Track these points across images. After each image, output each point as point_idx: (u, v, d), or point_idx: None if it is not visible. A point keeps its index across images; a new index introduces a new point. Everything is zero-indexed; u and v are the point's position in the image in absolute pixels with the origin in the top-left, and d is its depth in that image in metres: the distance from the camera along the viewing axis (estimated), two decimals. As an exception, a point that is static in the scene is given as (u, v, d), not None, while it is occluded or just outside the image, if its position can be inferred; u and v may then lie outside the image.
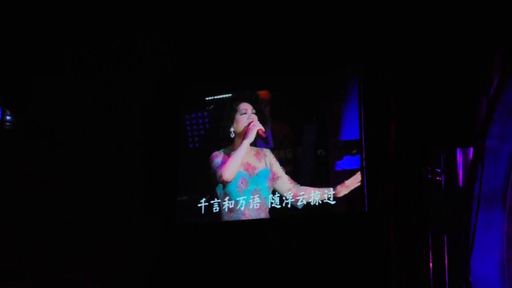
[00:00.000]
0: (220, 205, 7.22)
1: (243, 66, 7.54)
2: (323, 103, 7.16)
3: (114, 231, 7.61)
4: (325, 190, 6.91)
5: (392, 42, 6.75)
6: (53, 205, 7.36)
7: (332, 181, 6.94)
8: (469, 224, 6.35)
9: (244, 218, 7.12)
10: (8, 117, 7.44)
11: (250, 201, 7.09)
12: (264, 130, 7.11)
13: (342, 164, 6.94)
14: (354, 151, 6.89)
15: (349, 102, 6.98)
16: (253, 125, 7.12)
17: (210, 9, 7.50)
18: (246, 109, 7.23)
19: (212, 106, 7.55)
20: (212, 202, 7.28)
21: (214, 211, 7.27)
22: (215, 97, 7.57)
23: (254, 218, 7.10)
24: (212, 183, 7.28)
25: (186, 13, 7.60)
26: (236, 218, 7.17)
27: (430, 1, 6.47)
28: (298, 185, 7.03)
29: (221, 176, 7.14)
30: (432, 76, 6.51)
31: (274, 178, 7.10)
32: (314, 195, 6.92)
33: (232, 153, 7.17)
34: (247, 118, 7.19)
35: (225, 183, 7.17)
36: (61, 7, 7.42)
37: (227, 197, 7.17)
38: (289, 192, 7.02)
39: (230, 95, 7.48)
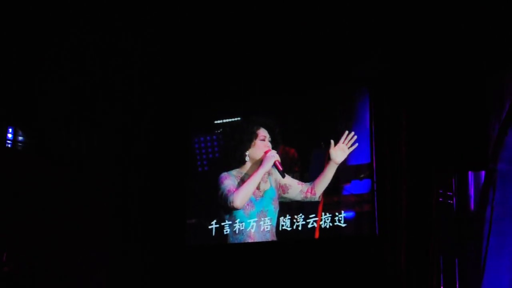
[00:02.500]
0: (231, 226, 7.19)
1: (251, 89, 7.56)
2: (331, 128, 7.14)
3: (120, 253, 7.58)
4: (336, 213, 6.89)
5: (402, 65, 6.79)
6: (60, 226, 7.32)
7: (340, 205, 6.93)
8: (480, 248, 6.35)
9: (250, 241, 7.10)
10: (20, 137, 7.43)
11: (256, 223, 7.07)
12: (280, 162, 7.02)
13: (350, 188, 6.94)
14: (362, 176, 6.89)
15: (357, 126, 6.99)
16: (271, 155, 7.02)
17: (217, 30, 7.56)
18: (265, 136, 7.16)
19: (220, 130, 7.53)
20: (223, 224, 7.25)
21: (225, 233, 7.24)
22: (224, 120, 7.57)
23: (260, 240, 7.07)
24: (219, 205, 7.23)
25: (192, 33, 7.65)
26: (242, 240, 7.14)
27: (444, 23, 6.51)
28: (307, 183, 7.02)
29: (232, 203, 7.04)
30: (444, 99, 6.55)
31: (284, 191, 7.06)
32: (325, 217, 6.91)
33: (240, 175, 7.13)
34: (264, 145, 7.12)
35: (234, 210, 7.13)
36: (66, 24, 7.47)
37: (234, 220, 7.15)
38: (301, 195, 7.01)
39: (238, 118, 7.48)
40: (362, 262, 6.73)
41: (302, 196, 7.01)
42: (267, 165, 7.01)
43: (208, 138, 7.62)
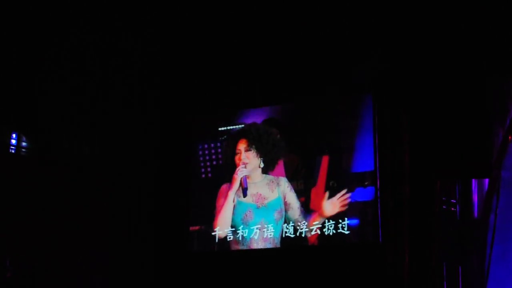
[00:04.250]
0: (234, 234, 7.19)
1: (253, 95, 7.57)
2: (335, 134, 7.15)
3: (124, 259, 7.57)
4: (339, 220, 6.88)
5: (406, 73, 6.79)
6: (63, 229, 7.32)
7: (345, 212, 6.91)
8: (484, 255, 6.35)
9: (250, 249, 7.12)
10: (23, 143, 7.43)
11: (255, 232, 7.08)
12: (246, 178, 7.11)
13: (354, 195, 6.92)
14: (367, 183, 6.87)
15: (362, 133, 6.99)
16: (237, 176, 7.13)
17: (218, 31, 7.58)
18: (240, 150, 7.20)
19: (225, 137, 7.54)
20: (226, 230, 7.24)
21: (228, 239, 7.23)
22: (228, 127, 7.57)
23: (262, 248, 7.09)
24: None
25: (193, 34, 7.67)
26: (242, 249, 7.15)
27: (449, 30, 6.51)
28: (305, 215, 7.02)
29: (213, 230, 7.22)
30: (447, 106, 6.53)
31: (287, 208, 7.07)
32: (328, 224, 6.90)
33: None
34: (237, 159, 7.19)
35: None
36: (66, 24, 7.50)
37: (233, 228, 7.18)
38: (304, 222, 6.99)
39: (242, 126, 7.48)
40: (365, 269, 6.71)
41: (296, 224, 7.02)
42: (234, 186, 7.16)
43: (212, 145, 7.61)
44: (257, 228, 7.08)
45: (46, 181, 7.25)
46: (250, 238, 7.10)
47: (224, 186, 7.30)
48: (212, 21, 7.57)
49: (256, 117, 7.48)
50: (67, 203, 7.31)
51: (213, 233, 7.31)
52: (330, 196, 6.93)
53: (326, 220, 6.90)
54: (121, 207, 7.65)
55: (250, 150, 7.18)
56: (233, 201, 7.16)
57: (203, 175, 7.63)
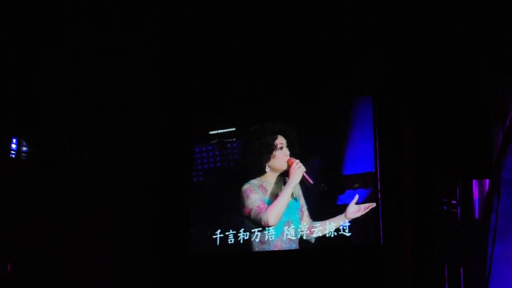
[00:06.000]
0: (235, 236, 7.16)
1: (249, 98, 7.57)
2: (334, 135, 7.12)
3: (124, 260, 7.58)
4: (340, 221, 6.87)
5: (406, 73, 6.79)
6: (62, 232, 7.33)
7: (335, 215, 6.92)
8: (485, 256, 6.37)
9: (276, 249, 7.03)
10: (24, 148, 7.43)
11: (282, 232, 7.04)
12: (307, 173, 6.97)
13: (344, 198, 6.91)
14: (367, 184, 6.86)
15: (361, 136, 6.98)
16: (298, 167, 6.96)
17: (219, 38, 7.57)
18: (282, 143, 7.13)
19: (216, 140, 7.52)
20: (227, 233, 7.22)
21: (229, 242, 7.20)
22: (219, 131, 7.54)
23: (287, 249, 7.01)
24: (241, 216, 7.18)
25: (193, 34, 7.68)
26: (268, 250, 7.06)
27: (448, 30, 6.51)
28: (312, 220, 7.00)
29: (266, 222, 7.01)
30: (447, 107, 6.53)
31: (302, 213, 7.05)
32: (330, 226, 6.90)
33: (262, 183, 7.12)
34: (284, 155, 7.10)
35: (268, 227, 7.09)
36: (66, 24, 7.50)
37: (258, 229, 7.10)
38: (305, 224, 6.99)
39: (234, 129, 7.46)
40: (367, 271, 6.71)
41: (302, 230, 7.01)
42: (296, 179, 6.97)
43: (203, 148, 7.56)
44: (275, 231, 7.04)
45: (46, 181, 7.26)
46: (277, 238, 7.06)
47: (247, 187, 7.17)
48: (212, 21, 7.57)
49: (256, 117, 7.46)
50: (67, 204, 7.31)
51: (214, 236, 7.26)
52: (326, 198, 6.96)
53: (327, 222, 6.91)
54: (121, 208, 7.64)
55: (287, 147, 7.13)
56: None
57: (195, 179, 7.59)
